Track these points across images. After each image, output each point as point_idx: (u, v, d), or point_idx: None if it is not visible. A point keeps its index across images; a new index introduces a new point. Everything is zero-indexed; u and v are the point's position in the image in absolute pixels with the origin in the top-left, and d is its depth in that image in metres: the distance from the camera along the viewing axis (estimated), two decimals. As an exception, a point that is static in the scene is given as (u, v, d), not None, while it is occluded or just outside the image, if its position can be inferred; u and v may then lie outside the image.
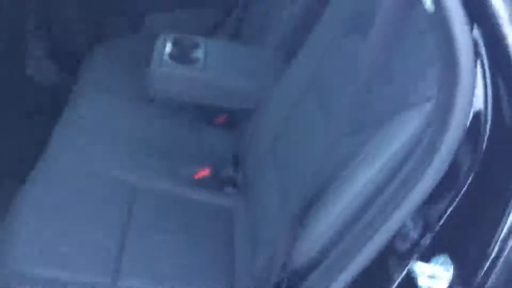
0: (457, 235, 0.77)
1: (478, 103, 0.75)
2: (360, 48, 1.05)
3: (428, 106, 0.81)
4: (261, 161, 1.45)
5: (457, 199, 0.76)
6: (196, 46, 1.69)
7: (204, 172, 1.58)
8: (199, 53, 1.66)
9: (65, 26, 2.20)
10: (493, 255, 0.72)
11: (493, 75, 0.75)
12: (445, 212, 0.77)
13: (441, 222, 0.77)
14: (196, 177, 1.57)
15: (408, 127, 0.85)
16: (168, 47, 1.64)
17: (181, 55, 1.64)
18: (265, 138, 1.46)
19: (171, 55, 1.62)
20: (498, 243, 0.71)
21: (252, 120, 1.58)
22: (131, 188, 1.43)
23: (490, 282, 0.73)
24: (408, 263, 0.79)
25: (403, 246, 0.80)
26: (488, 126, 0.75)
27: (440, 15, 0.70)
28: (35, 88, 2.20)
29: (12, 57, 2.14)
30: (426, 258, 0.77)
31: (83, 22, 2.20)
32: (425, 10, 0.74)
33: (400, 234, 0.80)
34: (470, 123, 0.75)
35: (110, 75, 1.90)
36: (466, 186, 0.74)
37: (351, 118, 1.01)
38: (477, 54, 0.75)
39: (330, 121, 1.12)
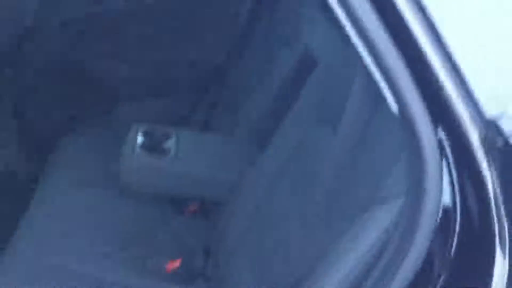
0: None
1: (446, 200, 0.76)
2: (330, 141, 1.07)
3: (397, 203, 0.82)
4: (233, 253, 1.43)
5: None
6: (167, 136, 1.70)
7: (175, 264, 1.55)
8: (170, 144, 1.67)
9: (34, 114, 2.19)
10: None
11: (458, 173, 0.77)
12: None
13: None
14: (167, 269, 1.54)
15: (379, 222, 0.85)
16: (140, 138, 1.65)
17: (153, 146, 1.65)
18: (237, 229, 1.44)
19: (142, 146, 1.62)
20: None
21: (224, 210, 1.58)
22: (96, 282, 1.39)
23: None
24: None
25: None
26: (457, 223, 0.76)
27: (405, 117, 0.72)
28: (2, 177, 2.17)
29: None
30: None
31: (53, 110, 2.20)
32: (391, 111, 0.76)
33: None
34: (439, 220, 0.76)
35: (80, 164, 1.89)
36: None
37: (324, 210, 1.01)
38: (442, 152, 0.77)
39: (305, 214, 1.12)
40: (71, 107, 2.21)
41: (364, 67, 0.78)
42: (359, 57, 0.79)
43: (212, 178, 1.62)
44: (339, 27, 1.44)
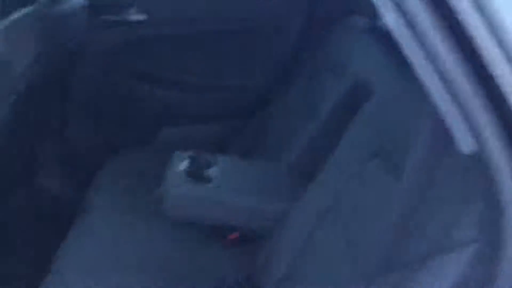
0: None
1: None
2: (389, 181, 1.01)
3: (467, 252, 0.76)
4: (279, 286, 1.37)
5: None
6: (211, 163, 1.67)
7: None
8: (214, 171, 1.63)
9: (78, 138, 2.20)
10: None
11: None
12: None
13: None
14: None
15: (448, 272, 0.80)
16: (183, 165, 1.62)
17: (196, 173, 1.61)
18: (283, 263, 1.39)
19: (186, 173, 1.59)
20: None
21: (269, 241, 1.52)
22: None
23: None
24: None
25: None
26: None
27: (486, 163, 0.66)
28: (45, 200, 2.17)
29: (22, 165, 2.13)
30: None
31: (96, 135, 2.20)
32: (461, 154, 0.70)
33: None
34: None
35: (122, 190, 1.87)
36: None
37: (381, 256, 0.95)
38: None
39: (357, 257, 1.06)
40: (114, 131, 2.21)
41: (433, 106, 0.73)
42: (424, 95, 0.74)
43: (258, 208, 1.57)
44: (399, 61, 1.40)
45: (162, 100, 2.19)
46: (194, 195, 1.55)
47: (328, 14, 2.05)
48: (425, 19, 0.68)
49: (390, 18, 0.72)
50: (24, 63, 1.52)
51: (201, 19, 2.15)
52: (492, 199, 0.67)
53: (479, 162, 0.68)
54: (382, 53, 1.62)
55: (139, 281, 1.48)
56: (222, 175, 1.61)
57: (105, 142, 2.22)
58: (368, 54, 1.67)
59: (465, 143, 0.69)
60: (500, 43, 0.66)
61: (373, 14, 1.81)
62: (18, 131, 1.82)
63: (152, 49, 2.16)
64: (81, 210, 1.80)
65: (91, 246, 1.57)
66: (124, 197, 1.81)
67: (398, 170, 1.03)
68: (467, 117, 0.66)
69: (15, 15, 1.50)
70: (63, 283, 1.41)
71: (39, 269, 1.50)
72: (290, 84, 2.10)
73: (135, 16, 2.12)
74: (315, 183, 1.46)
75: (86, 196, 1.88)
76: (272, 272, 1.43)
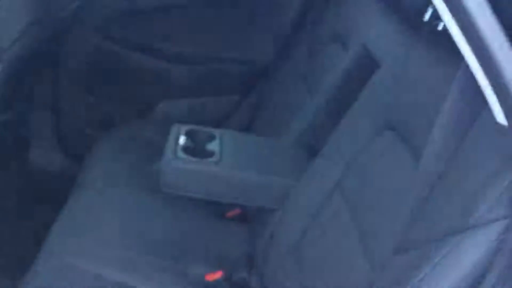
0: None
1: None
2: (408, 163, 0.96)
3: (495, 227, 0.72)
4: (282, 265, 1.33)
5: None
6: (211, 138, 1.61)
7: (216, 275, 1.46)
8: (214, 146, 1.57)
9: (73, 113, 2.14)
10: None
11: None
12: None
13: None
14: (207, 279, 1.45)
15: (477, 245, 0.76)
16: (182, 139, 1.56)
17: (196, 148, 1.55)
18: (288, 239, 1.34)
19: (184, 148, 1.53)
20: None
21: (273, 217, 1.47)
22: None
23: None
24: None
25: None
26: None
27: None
28: (38, 175, 2.12)
29: (16, 142, 2.07)
30: None
31: (91, 109, 2.14)
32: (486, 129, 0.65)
33: None
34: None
35: (118, 164, 1.82)
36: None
37: (399, 234, 0.90)
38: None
39: (367, 235, 1.01)
40: (110, 105, 2.15)
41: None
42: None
43: (262, 184, 1.51)
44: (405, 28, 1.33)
45: (158, 73, 2.12)
46: (194, 170, 1.49)
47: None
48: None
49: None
50: (15, 29, 1.45)
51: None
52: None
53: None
54: (389, 21, 1.56)
55: (136, 257, 1.44)
56: (223, 150, 1.55)
57: (100, 116, 2.16)
58: (375, 22, 1.61)
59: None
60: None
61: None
62: (8, 103, 1.77)
63: (148, 20, 2.08)
64: (76, 185, 1.75)
65: (87, 222, 1.52)
66: (121, 172, 1.76)
67: (415, 146, 0.98)
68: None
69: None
70: (57, 260, 1.36)
71: (32, 246, 1.45)
72: (290, 58, 2.04)
73: (130, -15, 2.04)
74: (321, 157, 1.40)
75: (81, 171, 1.82)
76: (277, 250, 1.39)
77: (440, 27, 1.19)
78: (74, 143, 2.15)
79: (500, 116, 0.67)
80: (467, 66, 0.74)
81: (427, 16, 1.44)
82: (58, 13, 1.74)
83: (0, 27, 1.32)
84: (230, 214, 1.72)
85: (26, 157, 2.14)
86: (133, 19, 2.06)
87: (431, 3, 1.07)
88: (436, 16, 1.23)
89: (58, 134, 2.17)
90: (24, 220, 1.96)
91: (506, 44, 0.62)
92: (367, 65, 1.49)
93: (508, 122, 0.64)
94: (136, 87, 2.14)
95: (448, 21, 0.70)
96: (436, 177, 0.87)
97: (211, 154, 1.54)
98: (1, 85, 1.38)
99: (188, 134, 1.60)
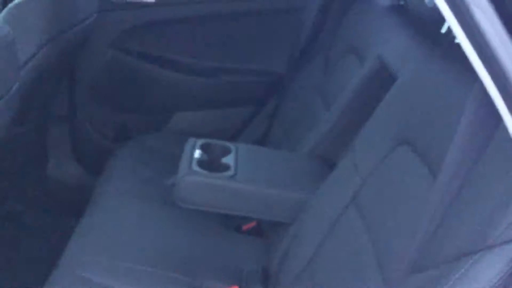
0: None
1: None
2: (425, 179, 0.95)
3: (508, 249, 0.71)
4: (298, 278, 1.31)
5: None
6: (226, 152, 1.60)
7: (231, 291, 1.45)
8: (229, 159, 1.57)
9: (89, 125, 2.15)
10: None
11: None
12: None
13: None
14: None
15: (491, 269, 0.75)
16: (197, 153, 1.55)
17: (211, 162, 1.55)
18: (305, 253, 1.32)
19: (200, 162, 1.52)
20: None
21: (288, 231, 1.46)
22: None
23: None
24: None
25: None
26: None
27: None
28: (55, 186, 2.13)
29: (34, 154, 2.09)
30: None
31: (107, 120, 2.15)
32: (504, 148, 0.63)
33: None
34: None
35: (134, 176, 1.82)
36: None
37: (414, 253, 0.88)
38: None
39: (382, 252, 0.99)
40: (126, 117, 2.16)
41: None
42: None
43: (277, 197, 1.50)
44: (423, 40, 1.31)
45: (174, 84, 2.13)
46: (209, 184, 1.48)
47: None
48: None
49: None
50: (32, 44, 1.46)
51: (214, 1, 2.08)
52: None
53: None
54: (406, 33, 1.54)
55: (150, 269, 1.43)
56: (238, 163, 1.54)
57: (116, 128, 2.17)
58: (391, 34, 1.59)
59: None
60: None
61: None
62: (26, 115, 1.78)
63: (164, 32, 2.09)
64: (92, 199, 1.75)
65: (102, 236, 1.52)
66: (137, 184, 1.76)
67: (432, 162, 0.96)
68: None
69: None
70: (72, 273, 1.36)
71: (49, 257, 1.46)
72: (306, 70, 2.03)
73: (147, -3, 2.05)
74: (336, 171, 1.39)
75: (97, 183, 1.83)
76: (292, 265, 1.37)
77: (457, 40, 1.18)
78: (91, 155, 2.16)
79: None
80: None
81: (444, 29, 1.43)
82: (74, 28, 1.75)
83: (17, 42, 1.33)
84: (246, 227, 1.71)
85: (44, 169, 2.16)
86: (149, 31, 2.07)
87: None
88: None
89: (75, 146, 2.18)
90: (42, 231, 1.97)
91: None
92: (383, 78, 1.48)
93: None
94: (152, 98, 2.15)
95: (459, 35, 0.69)
96: (452, 196, 0.85)
97: (226, 167, 1.53)
98: (19, 99, 1.39)
99: (203, 148, 1.59)
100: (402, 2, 1.72)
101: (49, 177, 2.16)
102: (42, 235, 1.95)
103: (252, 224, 1.71)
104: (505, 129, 0.74)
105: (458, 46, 0.77)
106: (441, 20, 1.33)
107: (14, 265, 1.78)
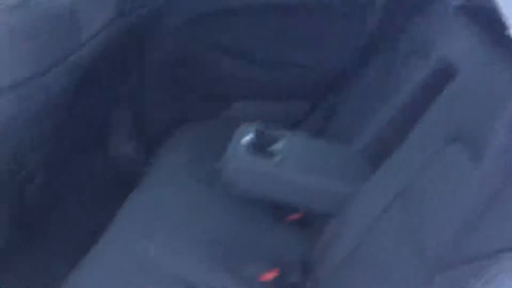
0: None
1: None
2: (466, 169, 0.92)
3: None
4: (337, 272, 1.31)
5: None
6: (277, 138, 1.60)
7: (270, 275, 1.45)
8: (280, 146, 1.57)
9: (149, 106, 2.20)
10: None
11: None
12: None
13: None
14: (260, 279, 1.44)
15: None
16: (247, 138, 1.57)
17: (260, 147, 1.56)
18: (345, 247, 1.32)
19: (248, 146, 1.53)
20: None
21: (331, 223, 1.45)
22: (185, 284, 1.32)
23: None
24: None
25: None
26: None
27: None
28: (114, 167, 2.19)
29: (96, 132, 2.16)
30: None
31: (167, 104, 2.20)
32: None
33: None
34: None
35: (188, 159, 1.85)
36: None
37: (452, 249, 0.86)
38: None
39: (422, 249, 0.97)
40: (186, 101, 2.20)
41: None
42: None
43: (323, 188, 1.49)
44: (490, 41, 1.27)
45: (236, 73, 2.15)
46: (254, 170, 1.49)
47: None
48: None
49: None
50: (99, 25, 1.51)
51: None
52: None
53: None
54: (473, 34, 1.50)
55: (193, 253, 1.45)
56: (286, 151, 1.54)
57: (176, 113, 2.21)
58: (457, 35, 1.55)
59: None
60: None
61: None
62: (91, 95, 1.85)
63: (228, 22, 2.12)
64: (143, 179, 1.80)
65: (147, 212, 1.56)
66: (186, 168, 1.79)
67: (478, 157, 0.93)
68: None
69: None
70: (114, 247, 1.41)
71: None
72: (367, 66, 2.01)
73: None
74: (386, 167, 1.37)
75: (148, 167, 1.87)
76: (332, 256, 1.37)
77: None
78: (149, 137, 2.21)
79: None
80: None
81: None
82: (144, 8, 1.80)
83: (84, 18, 1.38)
84: (291, 217, 1.71)
85: (104, 147, 2.23)
86: (213, 20, 2.10)
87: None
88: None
89: (136, 127, 2.24)
90: (92, 212, 2.01)
91: None
92: (445, 78, 1.45)
93: None
94: (214, 85, 2.18)
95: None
96: (495, 190, 0.82)
97: (274, 154, 1.53)
98: (82, 69, 1.43)
99: (254, 133, 1.60)
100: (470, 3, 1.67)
101: (110, 153, 2.23)
102: (97, 210, 2.00)
103: (298, 215, 1.71)
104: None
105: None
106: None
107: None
